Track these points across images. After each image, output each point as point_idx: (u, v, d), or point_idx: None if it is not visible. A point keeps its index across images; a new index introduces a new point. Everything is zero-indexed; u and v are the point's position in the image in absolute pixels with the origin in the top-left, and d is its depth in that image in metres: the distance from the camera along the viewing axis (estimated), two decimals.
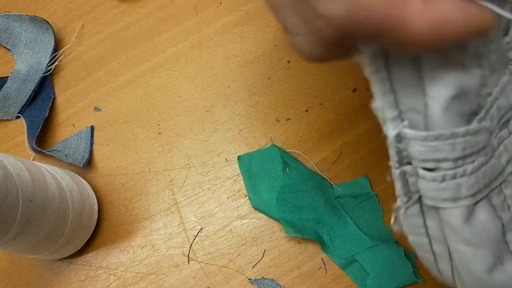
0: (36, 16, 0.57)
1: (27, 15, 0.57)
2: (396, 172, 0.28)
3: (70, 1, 0.60)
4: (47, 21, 0.57)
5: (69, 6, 0.60)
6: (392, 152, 0.27)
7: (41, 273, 0.51)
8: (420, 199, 0.28)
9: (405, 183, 0.28)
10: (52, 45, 0.57)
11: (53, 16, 0.59)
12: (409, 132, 0.26)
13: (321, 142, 0.52)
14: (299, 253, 0.49)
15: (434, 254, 0.30)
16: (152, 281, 0.50)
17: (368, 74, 0.26)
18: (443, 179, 0.26)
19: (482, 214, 0.27)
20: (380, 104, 0.26)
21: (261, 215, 0.50)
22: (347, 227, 0.48)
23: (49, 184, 0.44)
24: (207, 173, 0.52)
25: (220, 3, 0.57)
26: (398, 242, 0.48)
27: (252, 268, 0.49)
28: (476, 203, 0.27)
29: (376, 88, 0.26)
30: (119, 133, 0.55)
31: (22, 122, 0.56)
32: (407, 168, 0.28)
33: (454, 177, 0.26)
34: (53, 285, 0.51)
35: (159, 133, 0.54)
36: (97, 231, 0.52)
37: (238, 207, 0.51)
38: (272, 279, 0.48)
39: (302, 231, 0.48)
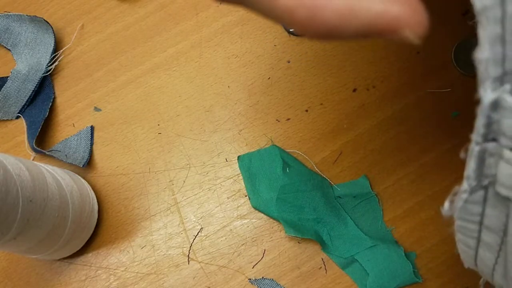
0: (36, 16, 0.57)
1: (27, 15, 0.57)
2: (476, 148, 0.23)
3: (70, 1, 0.60)
4: (47, 21, 0.57)
5: (69, 6, 0.59)
6: (480, 122, 0.22)
7: (41, 273, 0.51)
8: (488, 185, 0.24)
9: (481, 163, 0.24)
10: (52, 45, 0.57)
11: (53, 16, 0.59)
12: (510, 100, 0.21)
13: (321, 142, 0.52)
14: (299, 253, 0.49)
15: (479, 241, 0.27)
16: (152, 281, 0.50)
17: (478, 11, 0.20)
18: None
19: None
20: (487, 55, 0.21)
21: (261, 215, 0.50)
22: (347, 227, 0.48)
23: (49, 184, 0.44)
24: (207, 173, 0.52)
25: (220, 3, 0.57)
26: (398, 242, 0.48)
27: (252, 268, 0.49)
28: None
29: (486, 32, 0.20)
30: (119, 133, 0.55)
31: (22, 122, 0.56)
32: (491, 145, 0.23)
33: None
34: (53, 285, 0.51)
35: (159, 133, 0.54)
36: (97, 231, 0.52)
37: (238, 207, 0.51)
38: (272, 279, 0.49)
39: (302, 231, 0.48)
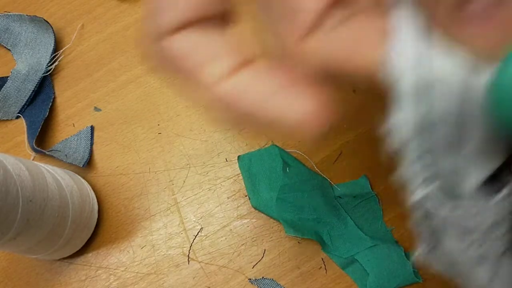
0: (36, 16, 0.57)
1: (27, 15, 0.57)
2: (420, 229, 0.26)
3: (70, 1, 0.59)
4: (47, 21, 0.57)
5: (69, 6, 0.59)
6: (415, 212, 0.25)
7: (41, 273, 0.51)
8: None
9: (431, 236, 0.26)
10: (52, 45, 0.57)
11: (53, 16, 0.59)
12: (437, 198, 0.23)
13: (321, 142, 0.51)
14: (299, 253, 0.49)
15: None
16: (152, 281, 0.50)
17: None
18: (471, 244, 0.24)
19: (505, 267, 0.25)
20: (407, 170, 0.23)
21: (261, 215, 0.50)
22: (347, 227, 0.48)
23: (49, 184, 0.44)
24: (207, 173, 0.52)
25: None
26: (398, 242, 0.48)
27: (252, 268, 0.49)
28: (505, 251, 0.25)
29: (405, 155, 0.23)
30: (119, 133, 0.55)
31: (22, 122, 0.56)
32: (433, 222, 0.25)
33: (483, 242, 0.24)
34: (53, 285, 0.51)
35: (159, 133, 0.54)
36: (97, 231, 0.52)
37: (238, 207, 0.51)
38: (272, 279, 0.48)
39: (302, 231, 0.48)
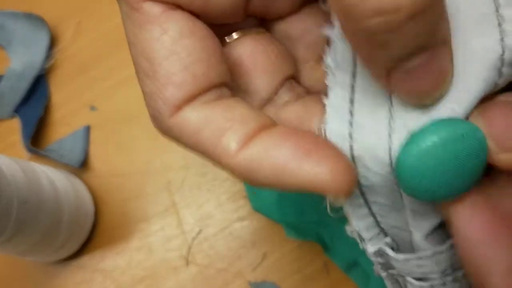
0: (31, 13, 0.56)
1: (22, 12, 0.57)
2: (383, 274, 0.27)
3: None
4: (42, 18, 0.56)
5: (64, 2, 0.59)
6: (375, 262, 0.26)
7: (36, 276, 0.51)
8: None
9: (395, 280, 0.27)
10: (48, 42, 0.56)
11: (48, 13, 0.58)
12: (390, 252, 0.24)
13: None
14: (301, 256, 0.48)
15: None
16: (149, 285, 0.49)
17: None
18: (432, 287, 0.25)
19: None
20: (356, 228, 0.25)
21: (262, 216, 0.50)
22: None
23: (44, 185, 0.44)
24: (206, 174, 0.52)
25: None
26: None
27: (252, 271, 0.49)
28: None
29: (351, 214, 0.24)
30: (115, 133, 0.54)
31: (16, 122, 0.55)
32: (394, 271, 0.26)
33: (443, 284, 0.25)
34: None
35: (156, 133, 0.53)
36: (93, 233, 0.51)
37: (237, 208, 0.50)
38: (273, 283, 0.48)
39: (304, 233, 0.48)
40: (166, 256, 0.50)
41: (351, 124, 0.21)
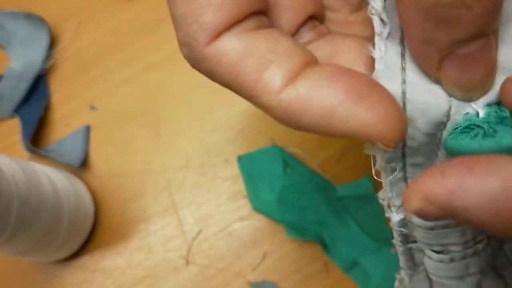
0: (31, 13, 0.56)
1: (21, 12, 0.57)
2: (400, 249, 0.26)
3: None
4: (42, 18, 0.56)
5: (64, 3, 0.59)
6: (395, 233, 0.26)
7: (36, 276, 0.51)
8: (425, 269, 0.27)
9: (411, 258, 0.27)
10: (47, 42, 0.56)
11: (48, 13, 0.58)
12: (415, 219, 0.24)
13: (324, 140, 0.51)
14: (301, 255, 0.48)
15: None
16: (150, 284, 0.49)
17: (379, 166, 0.24)
18: (452, 260, 0.24)
19: (488, 281, 0.25)
20: (389, 194, 0.24)
21: (262, 216, 0.50)
22: (349, 229, 0.48)
23: (44, 185, 0.44)
24: (206, 174, 0.52)
25: None
26: None
27: (252, 271, 0.49)
28: (483, 278, 0.25)
29: (387, 179, 0.24)
30: (115, 132, 0.54)
31: (16, 122, 0.55)
32: (413, 245, 0.26)
33: (463, 257, 0.24)
34: None
35: (156, 133, 0.53)
36: (93, 233, 0.51)
37: (238, 208, 0.50)
38: (273, 282, 0.48)
39: (304, 233, 0.48)
40: (166, 256, 0.50)
41: (404, 81, 0.19)
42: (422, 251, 0.26)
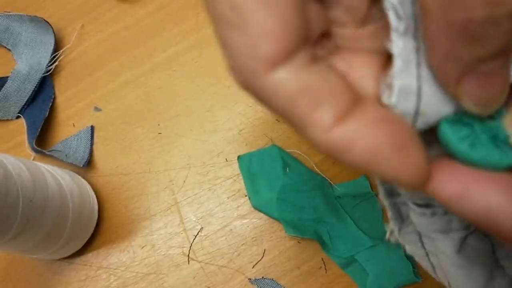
0: (36, 16, 0.57)
1: (27, 15, 0.57)
2: (386, 202, 0.27)
3: (70, 1, 0.60)
4: (47, 21, 0.57)
5: (69, 6, 0.60)
6: (380, 188, 0.26)
7: (41, 273, 0.51)
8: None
9: (397, 211, 0.27)
10: (52, 45, 0.57)
11: (53, 16, 0.59)
12: None
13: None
14: (299, 253, 0.49)
15: (431, 263, 0.29)
16: (152, 281, 0.50)
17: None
18: (433, 215, 0.25)
19: (473, 239, 0.26)
20: None
21: (261, 215, 0.50)
22: (347, 227, 0.48)
23: (49, 184, 0.44)
24: (207, 173, 0.52)
25: None
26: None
27: (252, 268, 0.49)
28: (468, 234, 0.26)
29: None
30: (119, 133, 0.55)
31: (22, 122, 0.56)
32: (398, 199, 0.27)
33: (445, 213, 0.25)
34: (53, 285, 0.51)
35: (159, 133, 0.54)
36: (97, 231, 0.52)
37: (238, 207, 0.51)
38: (272, 279, 0.48)
39: (302, 231, 0.48)
40: (168, 253, 0.50)
41: (420, 76, 0.19)
42: (406, 204, 0.27)
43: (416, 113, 0.20)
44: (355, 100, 0.19)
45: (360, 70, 0.21)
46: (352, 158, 0.19)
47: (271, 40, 0.18)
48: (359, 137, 0.18)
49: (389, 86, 0.20)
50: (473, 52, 0.17)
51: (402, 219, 0.28)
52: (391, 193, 0.27)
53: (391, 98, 0.20)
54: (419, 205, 0.25)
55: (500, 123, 0.20)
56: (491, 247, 0.26)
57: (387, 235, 0.29)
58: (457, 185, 0.19)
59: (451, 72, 0.18)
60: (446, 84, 0.19)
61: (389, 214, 0.28)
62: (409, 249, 0.29)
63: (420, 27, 0.19)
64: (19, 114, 0.56)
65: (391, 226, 0.28)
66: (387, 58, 0.21)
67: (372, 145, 0.18)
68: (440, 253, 0.27)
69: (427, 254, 0.29)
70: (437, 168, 0.20)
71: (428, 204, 0.25)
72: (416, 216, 0.26)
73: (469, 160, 0.19)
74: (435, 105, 0.20)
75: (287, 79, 0.18)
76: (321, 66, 0.19)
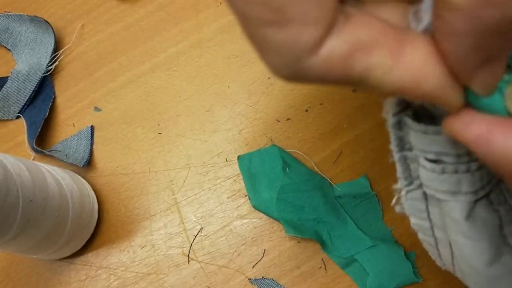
0: (36, 16, 0.57)
1: (27, 15, 0.57)
2: (396, 156, 0.27)
3: (70, 1, 0.60)
4: (47, 21, 0.57)
5: (69, 6, 0.60)
6: (392, 137, 0.26)
7: (41, 273, 0.51)
8: (421, 185, 0.28)
9: (407, 167, 0.27)
10: (52, 45, 0.57)
11: (53, 16, 0.59)
12: (409, 121, 0.25)
13: (321, 142, 0.52)
14: (299, 253, 0.49)
15: (435, 238, 0.29)
16: (152, 281, 0.50)
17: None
18: (443, 172, 0.25)
19: (482, 209, 0.26)
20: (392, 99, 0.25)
21: (261, 215, 0.50)
22: (347, 227, 0.48)
23: (49, 184, 0.44)
24: (207, 173, 0.52)
25: (220, 3, 0.57)
26: (398, 242, 0.48)
27: (252, 268, 0.49)
28: (477, 200, 0.26)
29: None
30: (119, 133, 0.55)
31: (22, 122, 0.56)
32: (408, 153, 0.27)
33: (455, 171, 0.25)
34: (53, 285, 0.51)
35: (159, 133, 0.54)
36: (97, 231, 0.52)
37: (238, 207, 0.51)
38: (272, 279, 0.49)
39: (302, 231, 0.48)
40: (168, 253, 0.50)
41: None
42: (417, 161, 0.26)
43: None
44: (401, 35, 0.20)
45: (387, 15, 0.22)
46: (421, 92, 0.20)
47: (310, 25, 0.19)
48: (422, 69, 0.19)
49: (420, 20, 0.20)
50: (496, 47, 0.18)
51: (411, 179, 0.28)
52: (403, 144, 0.26)
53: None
54: (430, 161, 0.25)
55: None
56: (499, 222, 0.26)
57: (393, 202, 0.29)
58: (482, 126, 0.19)
59: (469, 63, 0.19)
60: (461, 74, 0.19)
61: (398, 170, 0.27)
62: (413, 221, 0.29)
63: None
64: (19, 114, 0.56)
65: (399, 185, 0.28)
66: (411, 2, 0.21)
67: (437, 77, 0.19)
68: (448, 218, 0.27)
69: (432, 227, 0.29)
70: (463, 112, 0.20)
71: (439, 159, 0.25)
72: (427, 172, 0.26)
73: (482, 106, 0.20)
74: None
75: (336, 46, 0.19)
76: (360, 16, 0.20)
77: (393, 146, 0.27)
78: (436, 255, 0.31)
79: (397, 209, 0.29)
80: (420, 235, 0.30)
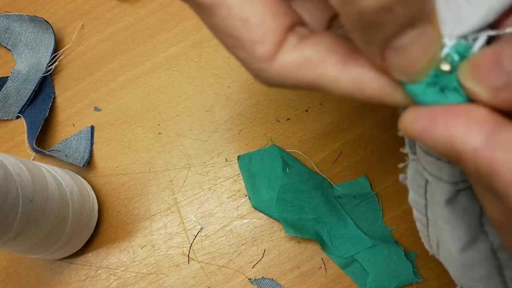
0: (36, 16, 0.57)
1: (27, 15, 0.57)
2: (411, 157, 0.28)
3: (70, 1, 0.60)
4: (47, 21, 0.57)
5: (69, 6, 0.60)
6: (406, 140, 0.28)
7: (41, 273, 0.51)
8: None
9: (416, 170, 0.28)
10: (52, 45, 0.57)
11: (53, 16, 0.59)
12: None
13: (321, 142, 0.52)
14: (299, 253, 0.49)
15: (427, 218, 0.30)
16: (152, 281, 0.50)
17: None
18: (427, 153, 0.26)
19: (464, 198, 0.26)
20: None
21: (261, 215, 0.50)
22: (347, 227, 0.48)
23: (49, 184, 0.44)
24: (207, 173, 0.52)
25: None
26: (398, 242, 0.48)
27: (252, 268, 0.49)
28: (459, 191, 0.26)
29: None
30: (119, 133, 0.55)
31: (22, 122, 0.56)
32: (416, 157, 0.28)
33: (438, 157, 0.26)
34: (53, 285, 0.51)
35: (159, 133, 0.54)
36: (97, 231, 0.52)
37: (238, 207, 0.51)
38: (272, 279, 0.49)
39: (302, 231, 0.48)
40: (168, 253, 0.50)
41: None
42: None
43: None
44: (348, 48, 0.23)
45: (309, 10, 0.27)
46: (365, 96, 0.22)
47: (259, 44, 0.24)
48: (362, 79, 0.22)
49: None
50: (380, 34, 0.19)
51: (414, 149, 0.28)
52: (412, 145, 0.28)
53: None
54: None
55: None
56: (479, 211, 0.27)
57: (400, 178, 0.30)
58: (426, 118, 0.20)
59: (373, 51, 0.20)
60: (374, 62, 0.21)
61: (409, 171, 0.29)
62: (411, 196, 0.30)
63: None
64: (19, 114, 0.56)
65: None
66: None
67: (375, 81, 0.22)
68: (433, 200, 0.28)
69: (426, 206, 0.30)
70: (412, 108, 0.21)
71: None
72: (422, 154, 0.27)
73: (426, 102, 0.21)
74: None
75: (285, 59, 0.23)
76: (310, 37, 0.24)
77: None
78: (425, 236, 0.31)
79: (401, 177, 0.30)
80: (415, 212, 0.31)
